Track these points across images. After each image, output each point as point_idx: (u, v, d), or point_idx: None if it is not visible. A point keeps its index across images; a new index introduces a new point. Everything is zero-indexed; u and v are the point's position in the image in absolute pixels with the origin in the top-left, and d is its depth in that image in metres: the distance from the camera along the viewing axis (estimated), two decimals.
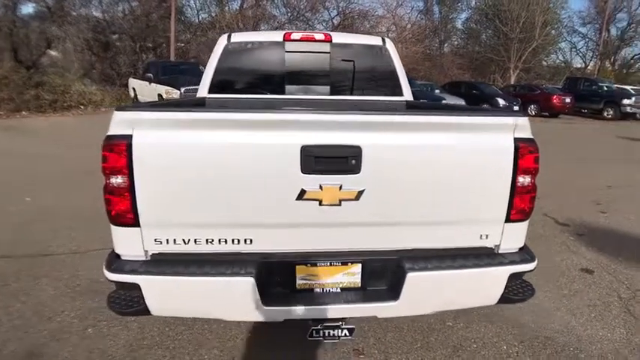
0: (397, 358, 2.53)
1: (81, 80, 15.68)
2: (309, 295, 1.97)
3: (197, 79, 13.57)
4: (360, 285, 2.01)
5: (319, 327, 1.95)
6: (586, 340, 2.77)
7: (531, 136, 1.95)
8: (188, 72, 14.15)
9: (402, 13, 32.23)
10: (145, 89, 13.18)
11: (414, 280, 1.89)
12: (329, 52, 3.64)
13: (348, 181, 1.82)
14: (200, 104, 3.44)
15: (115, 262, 1.86)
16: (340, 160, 1.81)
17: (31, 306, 2.94)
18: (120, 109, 1.76)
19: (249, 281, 1.80)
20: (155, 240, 1.84)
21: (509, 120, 1.91)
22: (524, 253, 2.09)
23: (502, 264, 2.00)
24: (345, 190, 1.82)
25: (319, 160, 1.78)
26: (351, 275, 2.00)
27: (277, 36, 3.61)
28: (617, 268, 3.81)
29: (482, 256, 2.03)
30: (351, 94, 3.76)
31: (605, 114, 20.08)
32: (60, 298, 3.05)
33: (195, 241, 1.86)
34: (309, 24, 28.64)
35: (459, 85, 22.04)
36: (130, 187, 1.76)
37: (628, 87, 23.14)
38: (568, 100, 20.19)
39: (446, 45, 35.86)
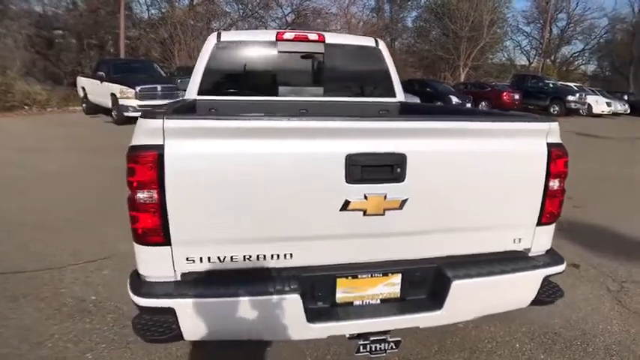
0: None
1: (24, 79, 14.56)
2: (349, 309, 1.88)
3: (153, 77, 13.00)
4: (399, 295, 1.94)
5: (367, 342, 1.87)
6: (590, 333, 2.86)
7: (561, 141, 1.97)
8: (142, 70, 13.56)
9: (354, 11, 32.60)
10: (96, 88, 12.44)
11: (459, 288, 1.85)
12: (322, 53, 3.55)
13: (393, 189, 1.75)
14: (192, 108, 3.25)
15: (143, 285, 1.68)
16: (385, 169, 1.73)
17: (14, 331, 2.65)
18: (148, 116, 1.59)
19: (296, 298, 1.69)
20: (187, 259, 1.69)
21: (543, 125, 1.92)
22: (554, 255, 2.11)
23: (537, 267, 2.01)
24: (390, 199, 1.75)
25: (365, 169, 1.70)
26: (391, 286, 1.93)
27: (269, 35, 3.48)
28: (601, 262, 3.99)
29: (518, 260, 2.03)
30: (345, 95, 3.70)
31: (552, 110, 21.21)
32: (46, 321, 2.77)
33: (231, 258, 1.72)
34: (262, 21, 28.29)
35: (412, 83, 22.46)
36: (161, 203, 1.60)
37: (571, 84, 24.64)
38: (517, 97, 21.18)
39: (397, 43, 36.55)
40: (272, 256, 1.75)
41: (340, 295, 1.88)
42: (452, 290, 1.85)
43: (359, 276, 1.87)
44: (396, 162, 1.73)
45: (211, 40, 3.39)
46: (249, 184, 1.65)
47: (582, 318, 3.05)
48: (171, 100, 11.62)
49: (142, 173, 1.58)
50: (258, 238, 1.72)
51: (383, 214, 1.77)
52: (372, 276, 1.89)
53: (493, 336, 2.79)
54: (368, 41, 3.75)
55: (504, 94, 21.17)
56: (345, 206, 1.72)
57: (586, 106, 21.73)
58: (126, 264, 3.49)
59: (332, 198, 1.72)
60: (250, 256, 1.73)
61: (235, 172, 1.63)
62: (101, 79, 12.11)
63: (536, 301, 2.06)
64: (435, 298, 1.91)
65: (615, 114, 23.04)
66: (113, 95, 11.56)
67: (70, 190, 5.74)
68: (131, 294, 1.67)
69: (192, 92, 3.38)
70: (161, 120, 1.55)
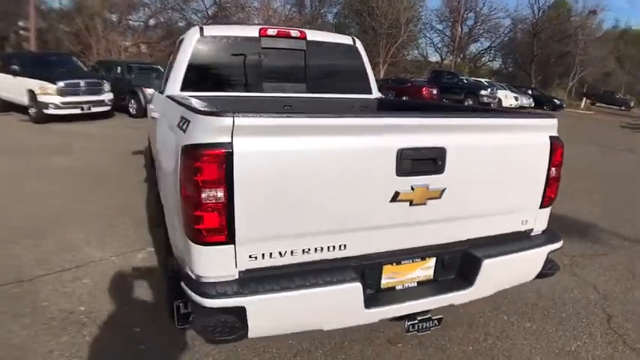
0: (429, 341, 2.68)
1: None
2: (393, 293, 2.00)
3: (74, 72, 11.92)
4: (432, 277, 2.11)
5: (415, 322, 2.00)
6: (559, 302, 3.25)
7: (557, 134, 2.25)
8: (61, 64, 12.43)
9: (275, 5, 32.47)
10: (9, 84, 11.17)
11: (489, 267, 2.05)
12: (304, 50, 3.61)
13: (434, 180, 1.89)
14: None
15: (206, 286, 1.66)
16: (429, 162, 1.87)
17: (5, 352, 2.41)
18: (213, 113, 1.58)
19: (357, 286, 1.77)
20: (250, 256, 1.69)
21: (548, 121, 2.19)
22: (552, 234, 2.40)
23: (544, 244, 2.28)
24: (432, 189, 1.90)
25: (414, 162, 1.83)
26: (427, 269, 2.08)
27: (253, 31, 3.46)
28: None
29: (527, 239, 2.28)
30: (327, 91, 3.78)
31: (466, 104, 22.92)
32: (38, 337, 2.55)
33: (291, 252, 1.76)
34: (182, 14, 27.22)
35: None
36: (227, 201, 1.59)
37: (482, 80, 26.78)
38: (435, 91, 22.56)
39: None
40: (328, 247, 1.81)
41: (385, 281, 1.99)
42: (482, 269, 2.04)
43: (402, 262, 2.00)
44: (438, 155, 1.88)
45: (193, 34, 3.29)
46: (309, 179, 1.70)
47: (549, 290, 3.44)
48: (95, 97, 10.88)
49: (210, 172, 1.56)
50: (316, 232, 1.77)
51: (425, 204, 1.91)
52: (412, 261, 2.02)
53: (482, 311, 3.07)
54: (345, 39, 3.87)
55: (423, 89, 22.41)
56: (395, 197, 1.84)
57: (497, 100, 23.77)
58: (105, 271, 3.31)
59: (383, 190, 1.82)
60: (309, 249, 1.78)
61: (297, 168, 1.67)
62: (14, 74, 10.92)
63: (540, 275, 2.33)
64: (465, 277, 2.10)
65: (522, 107, 25.46)
66: (30, 91, 10.49)
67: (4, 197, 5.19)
68: (195, 296, 1.63)
69: (172, 88, 3.25)
70: (231, 117, 1.54)
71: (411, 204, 1.88)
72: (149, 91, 11.58)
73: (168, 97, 2.90)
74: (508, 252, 2.13)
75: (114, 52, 18.93)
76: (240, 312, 1.62)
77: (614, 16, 63.86)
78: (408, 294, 2.02)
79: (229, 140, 1.56)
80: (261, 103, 3.44)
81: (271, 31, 3.47)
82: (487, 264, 2.05)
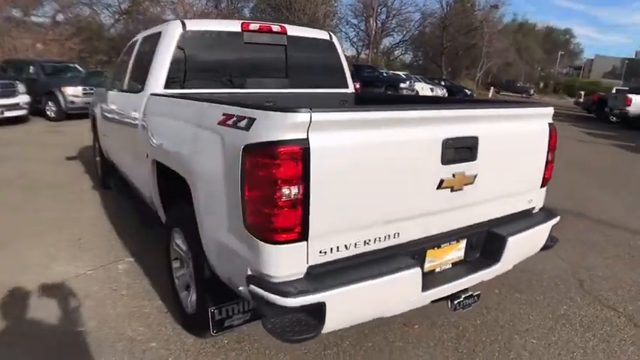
0: (441, 321, 2.83)
1: None
2: (435, 276, 2.10)
3: None
4: (463, 258, 2.24)
5: (460, 300, 2.12)
6: (538, 273, 3.55)
7: (552, 122, 2.50)
8: None
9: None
10: None
11: (513, 243, 2.22)
12: (285, 45, 3.59)
13: (469, 167, 2.02)
14: None
15: (284, 285, 1.62)
16: (466, 150, 1.99)
17: None
18: (288, 110, 1.55)
19: (418, 272, 1.84)
20: (320, 251, 1.69)
21: (548, 110, 2.42)
22: (549, 210, 2.66)
23: (548, 219, 2.51)
24: (467, 175, 2.02)
25: (455, 151, 1.93)
26: (459, 250, 2.21)
27: (234, 26, 3.36)
28: None
29: (531, 216, 2.51)
30: (307, 86, 3.79)
31: None
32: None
33: (354, 244, 1.77)
34: (92, 8, 25.22)
35: None
36: (304, 198, 1.58)
37: (400, 73, 28.03)
38: (357, 85, 23.12)
39: None
40: (385, 236, 1.86)
41: (427, 265, 2.07)
42: (507, 246, 2.21)
43: (441, 245, 2.10)
44: (472, 144, 2.00)
45: (174, 29, 3.11)
46: (373, 171, 1.73)
47: (527, 262, 3.75)
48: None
49: (287, 169, 1.53)
50: (376, 222, 1.81)
51: (462, 189, 2.03)
52: (449, 244, 2.14)
53: (476, 286, 3.30)
54: (323, 34, 3.89)
55: None
56: (440, 185, 1.93)
57: (414, 92, 25.06)
58: (89, 287, 3.04)
59: (431, 178, 1.91)
60: (369, 240, 1.81)
61: (363, 161, 1.70)
62: None
63: (544, 247, 2.58)
64: (491, 255, 2.26)
65: None
66: None
67: None
68: (274, 297, 1.58)
69: (155, 86, 3.06)
70: (308, 113, 1.52)
71: (451, 190, 1.98)
72: (69, 91, 10.78)
73: (172, 95, 2.76)
74: (525, 228, 2.33)
75: (19, 50, 16.97)
76: (319, 308, 1.61)
77: (512, 10, 70.38)
78: (447, 275, 2.13)
79: (305, 136, 1.54)
80: (245, 100, 3.35)
81: (253, 26, 3.39)
82: (511, 241, 2.22)
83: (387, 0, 43.16)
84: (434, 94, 26.60)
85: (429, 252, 2.06)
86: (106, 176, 5.25)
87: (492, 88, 37.97)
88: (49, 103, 11.04)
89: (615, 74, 50.05)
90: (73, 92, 10.75)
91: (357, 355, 2.45)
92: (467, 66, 45.02)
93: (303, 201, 1.58)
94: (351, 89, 4.07)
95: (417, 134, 1.82)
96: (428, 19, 43.71)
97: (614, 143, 12.10)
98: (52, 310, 2.80)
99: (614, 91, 20.18)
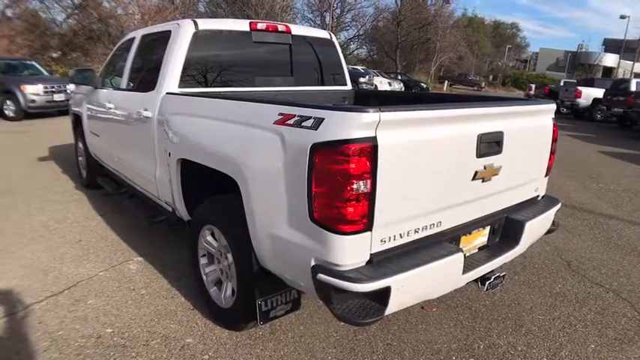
0: (455, 303, 3.04)
1: None
2: (467, 259, 2.28)
3: None
4: (486, 243, 2.44)
5: (490, 280, 2.31)
6: (529, 256, 3.88)
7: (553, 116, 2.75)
8: None
9: None
10: None
11: (530, 227, 2.45)
12: (290, 44, 3.67)
13: (496, 160, 2.21)
14: None
15: (353, 272, 1.74)
16: (494, 144, 2.18)
17: None
18: (358, 110, 1.66)
19: (461, 256, 2.01)
20: (381, 240, 1.82)
21: (552, 106, 2.66)
22: (550, 197, 2.91)
23: (553, 205, 2.77)
24: (495, 167, 2.22)
25: (487, 145, 2.12)
26: (484, 236, 2.40)
27: (243, 25, 3.41)
28: None
29: (537, 203, 2.75)
30: (311, 84, 3.89)
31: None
32: None
33: (407, 233, 1.92)
34: (44, 3, 23.78)
35: None
36: (371, 191, 1.71)
37: (358, 67, 28.42)
38: None
39: None
40: (431, 225, 2.02)
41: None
42: (526, 229, 2.43)
43: (472, 232, 2.29)
44: (499, 138, 2.19)
45: (187, 28, 3.11)
46: (426, 165, 1.88)
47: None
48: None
49: (359, 165, 1.65)
50: (425, 212, 1.96)
51: (490, 180, 2.22)
52: (478, 230, 2.33)
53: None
54: (323, 33, 4.00)
55: None
56: (474, 176, 2.11)
57: (373, 86, 25.57)
58: (104, 288, 3.03)
59: (467, 170, 2.08)
60: (419, 229, 1.96)
61: (417, 156, 1.84)
62: None
63: (549, 231, 2.83)
64: (511, 239, 2.47)
65: None
66: None
67: None
68: (346, 284, 1.69)
69: (169, 85, 3.06)
70: (377, 113, 1.65)
71: (482, 181, 2.17)
72: (29, 89, 10.23)
73: (194, 94, 2.81)
74: (538, 213, 2.57)
75: None
76: (385, 292, 1.75)
77: (462, 5, 72.89)
78: (476, 259, 2.31)
79: (374, 134, 1.66)
80: (260, 99, 3.42)
81: (261, 25, 3.44)
82: (528, 225, 2.45)
83: None
84: (391, 88, 27.25)
85: (463, 238, 2.25)
86: (92, 176, 5.12)
87: (447, 81, 39.25)
88: (7, 102, 10.42)
89: (559, 67, 53.04)
90: (33, 90, 10.21)
91: (386, 338, 2.61)
92: (421, 60, 46.22)
93: (371, 194, 1.70)
94: (349, 87, 4.20)
95: (460, 130, 1.99)
96: (382, 13, 44.52)
97: (573, 134, 12.94)
98: (78, 312, 2.77)
99: (562, 83, 21.49)
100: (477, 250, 2.38)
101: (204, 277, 2.74)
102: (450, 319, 2.83)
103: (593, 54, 52.08)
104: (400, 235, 1.89)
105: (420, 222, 1.96)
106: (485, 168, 2.15)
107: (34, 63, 12.24)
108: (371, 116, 1.64)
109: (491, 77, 54.74)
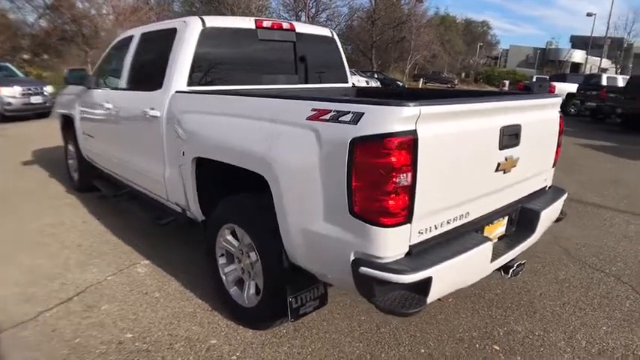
0: (468, 293, 3.10)
1: None
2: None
3: None
4: (504, 232, 2.51)
5: (513, 268, 2.38)
6: None
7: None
8: None
9: None
10: None
11: (545, 216, 2.53)
12: (294, 42, 3.67)
13: (515, 152, 2.28)
14: None
15: (395, 264, 1.77)
16: (514, 137, 2.24)
17: None
18: (398, 104, 1.68)
19: (490, 245, 2.06)
20: (419, 232, 1.85)
21: (559, 99, 2.76)
22: (556, 188, 3.01)
23: (561, 195, 2.86)
24: (514, 158, 2.28)
25: (509, 137, 2.18)
26: (502, 226, 2.47)
27: (249, 23, 3.39)
28: None
29: (545, 193, 2.84)
30: (315, 82, 3.90)
31: None
32: None
33: (441, 224, 1.96)
34: (15, 4, 22.90)
35: None
36: (412, 184, 1.74)
37: None
38: None
39: None
40: (460, 216, 2.06)
41: None
42: (541, 218, 2.51)
43: (494, 222, 2.35)
44: (518, 131, 2.26)
45: (194, 25, 3.06)
46: (458, 157, 1.93)
47: None
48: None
49: (400, 158, 1.67)
50: (456, 203, 2.01)
51: (510, 171, 2.29)
52: (498, 220, 2.39)
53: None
54: (325, 31, 4.01)
55: None
56: (497, 167, 2.17)
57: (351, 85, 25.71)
58: (116, 292, 2.96)
59: (492, 162, 2.14)
60: (450, 220, 2.00)
61: (451, 148, 1.89)
62: None
63: (557, 219, 2.93)
64: (527, 227, 2.54)
65: None
66: None
67: None
68: (390, 275, 1.70)
69: (177, 83, 3.01)
70: (418, 107, 1.68)
71: (504, 172, 2.23)
72: (5, 92, 9.89)
73: (206, 92, 2.80)
74: (550, 203, 2.65)
75: None
76: (426, 282, 1.78)
77: (435, 5, 73.91)
78: (499, 247, 2.38)
79: (414, 127, 1.69)
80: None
81: (266, 23, 3.43)
82: (544, 214, 2.53)
83: None
84: (368, 86, 27.49)
85: (486, 228, 2.30)
86: (85, 179, 5.00)
87: (421, 79, 39.79)
88: None
89: (529, 63, 54.49)
90: (9, 93, 9.85)
91: (409, 330, 2.65)
92: (396, 59, 46.69)
93: (411, 187, 1.73)
94: (350, 84, 4.23)
95: (486, 123, 2.05)
96: (356, 13, 44.78)
97: None
98: (93, 318, 2.71)
99: (534, 79, 22.08)
100: (497, 240, 2.44)
101: (222, 277, 2.72)
102: (467, 309, 2.90)
103: (561, 50, 53.72)
104: (435, 226, 1.93)
105: (452, 213, 2.00)
106: (506, 160, 2.21)
107: (8, 65, 11.83)
108: (411, 110, 1.67)
109: (463, 74, 55.76)
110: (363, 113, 1.74)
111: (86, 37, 19.13)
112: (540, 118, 2.53)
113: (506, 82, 30.07)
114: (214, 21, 3.18)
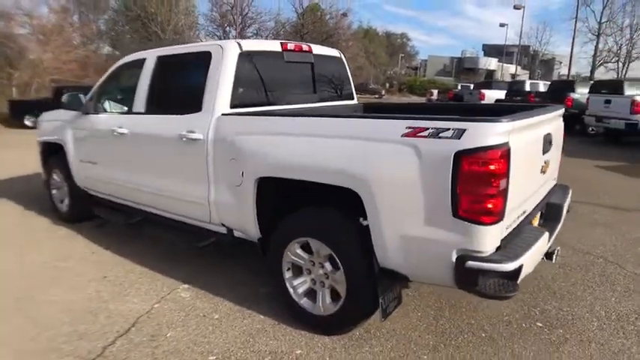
0: None
1: None
2: None
3: None
4: (538, 224, 2.94)
5: (554, 254, 2.77)
6: None
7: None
8: None
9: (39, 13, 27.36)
10: None
11: (565, 208, 3.01)
12: (312, 63, 3.91)
13: (548, 155, 2.73)
14: None
15: (497, 255, 2.08)
16: (549, 143, 2.70)
17: None
18: (495, 120, 2.01)
19: (547, 235, 2.46)
20: (506, 227, 2.19)
21: (562, 109, 3.26)
22: (562, 184, 3.51)
23: (568, 190, 3.37)
24: (548, 161, 2.73)
25: (548, 143, 2.62)
26: (537, 219, 2.89)
27: (277, 46, 3.58)
28: None
29: (557, 189, 3.33)
30: (330, 100, 4.15)
31: None
32: None
33: (514, 220, 2.32)
34: None
35: None
36: (506, 187, 2.07)
37: None
38: None
39: (93, 47, 33.10)
40: (522, 213, 2.44)
41: None
42: (564, 210, 2.99)
43: (535, 216, 2.76)
44: (551, 138, 2.71)
45: (232, 49, 3.17)
46: (526, 162, 2.31)
47: None
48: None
49: (499, 166, 2.00)
50: (521, 202, 2.38)
51: (546, 172, 2.72)
52: (537, 215, 2.81)
53: None
54: (334, 52, 4.29)
55: None
56: (541, 169, 2.59)
57: None
58: (173, 318, 2.99)
59: (539, 165, 2.56)
60: (519, 216, 2.38)
61: (525, 154, 2.29)
62: None
63: (568, 210, 3.42)
64: (553, 219, 3.00)
65: None
66: None
67: None
68: (495, 265, 2.03)
69: (221, 106, 3.11)
70: (510, 122, 2.01)
71: (543, 173, 2.66)
72: None
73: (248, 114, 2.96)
74: (565, 197, 3.15)
75: None
76: (519, 269, 2.11)
77: (357, 19, 77.22)
78: None
79: (507, 139, 2.03)
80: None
81: (290, 46, 3.62)
82: (565, 206, 3.01)
83: (243, 10, 43.76)
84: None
85: (532, 222, 2.70)
86: (77, 209, 4.81)
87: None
88: None
89: (446, 72, 58.57)
90: None
91: (463, 319, 2.96)
92: None
93: (506, 190, 2.06)
94: (356, 100, 4.54)
95: (539, 132, 2.46)
96: (283, 27, 45.49)
97: None
98: (165, 346, 2.71)
99: (459, 87, 23.91)
100: None
101: (290, 290, 2.85)
102: None
103: (475, 59, 58.41)
104: (512, 222, 2.28)
105: (519, 210, 2.37)
106: (545, 162, 2.64)
107: None
108: (506, 125, 2.01)
109: (388, 85, 58.56)
110: (465, 129, 2.04)
111: (9, 58, 17.63)
112: (559, 125, 3.01)
113: (435, 92, 32.13)
114: (250, 45, 3.32)
